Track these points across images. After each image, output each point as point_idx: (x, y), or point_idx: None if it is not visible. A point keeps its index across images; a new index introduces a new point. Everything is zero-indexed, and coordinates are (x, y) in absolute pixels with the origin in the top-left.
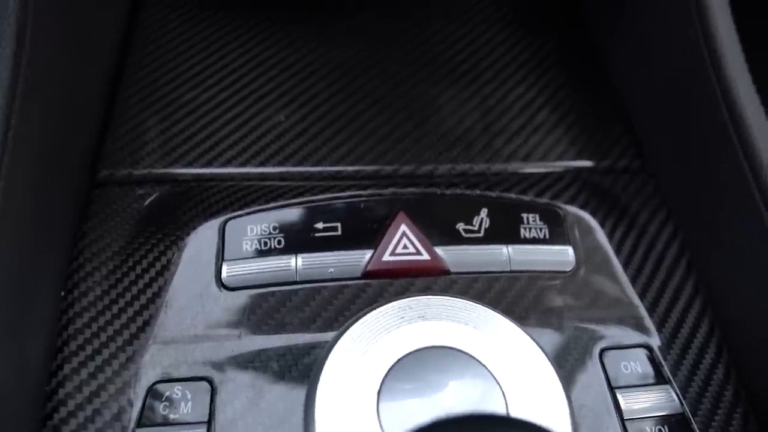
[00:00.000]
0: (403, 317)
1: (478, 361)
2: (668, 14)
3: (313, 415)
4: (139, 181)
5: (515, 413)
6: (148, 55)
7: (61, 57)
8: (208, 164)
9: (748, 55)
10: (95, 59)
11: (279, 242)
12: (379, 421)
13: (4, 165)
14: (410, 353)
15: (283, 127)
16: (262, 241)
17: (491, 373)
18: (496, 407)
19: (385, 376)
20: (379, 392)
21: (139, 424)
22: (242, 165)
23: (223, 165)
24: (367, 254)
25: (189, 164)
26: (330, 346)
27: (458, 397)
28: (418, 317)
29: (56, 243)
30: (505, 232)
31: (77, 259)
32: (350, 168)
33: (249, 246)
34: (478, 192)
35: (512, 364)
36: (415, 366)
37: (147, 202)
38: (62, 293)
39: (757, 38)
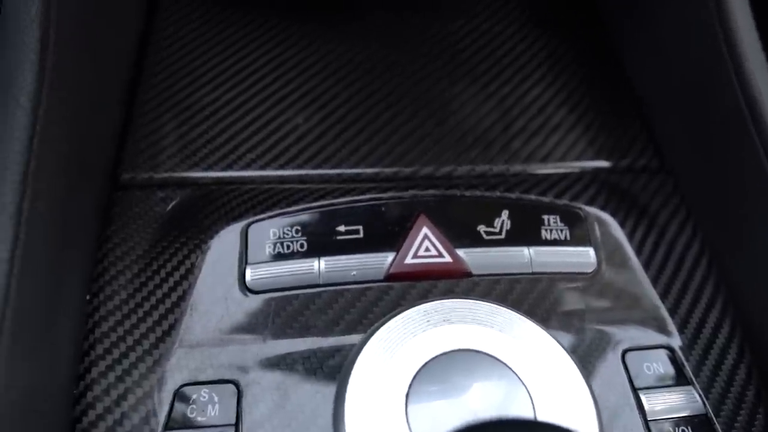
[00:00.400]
0: (429, 321)
1: (504, 363)
2: (685, 9)
3: (342, 417)
4: (160, 185)
5: (542, 415)
6: (166, 57)
7: (82, 61)
8: (228, 167)
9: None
10: (115, 62)
11: (302, 245)
12: (408, 424)
13: (31, 170)
14: (437, 356)
15: (301, 130)
16: (285, 244)
17: (517, 376)
18: (523, 410)
19: (413, 379)
20: (407, 395)
21: (167, 426)
22: (262, 168)
23: (243, 168)
24: (390, 257)
25: (209, 167)
26: (357, 349)
27: (485, 399)
28: (444, 321)
29: (81, 247)
30: (526, 233)
31: (101, 262)
32: (370, 170)
33: (272, 249)
34: (498, 193)
35: (538, 366)
36: (442, 369)
37: (169, 207)
38: (88, 297)
39: None
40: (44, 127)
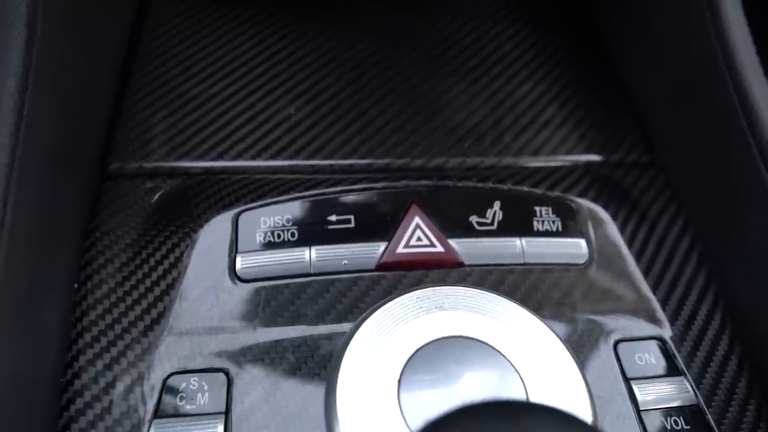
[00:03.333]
0: (420, 307)
1: (497, 350)
2: (677, 5)
3: (335, 405)
4: (149, 174)
5: (535, 400)
6: (157, 47)
7: (70, 48)
8: (219, 157)
9: (759, 48)
10: (105, 51)
11: (292, 234)
12: (401, 411)
13: (17, 156)
14: (429, 343)
15: (293, 121)
16: (276, 233)
17: (510, 362)
18: (516, 395)
19: (405, 366)
20: (399, 382)
21: (156, 415)
22: (253, 158)
23: (233, 158)
24: (381, 246)
25: (199, 157)
26: (348, 336)
27: (478, 385)
28: (436, 307)
29: (68, 235)
30: (518, 224)
31: (89, 251)
32: (361, 161)
33: (262, 238)
34: (490, 185)
35: (530, 352)
36: (434, 356)
37: (158, 195)
38: (75, 285)
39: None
40: (31, 111)
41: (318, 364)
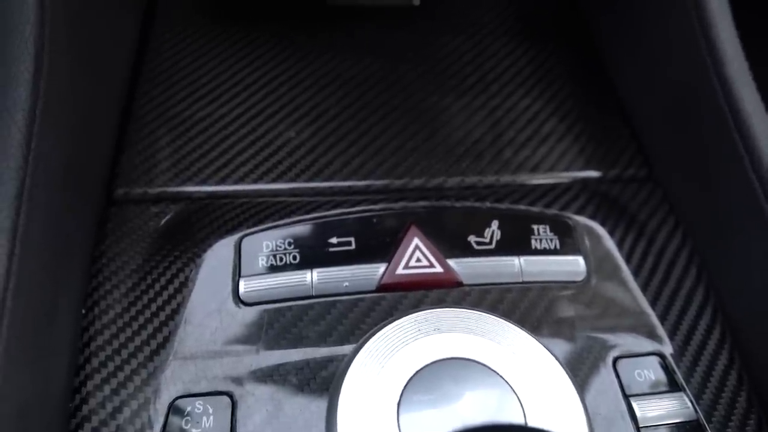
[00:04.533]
0: (419, 330)
1: (495, 371)
2: (668, 22)
3: (335, 426)
4: (154, 200)
5: (533, 423)
6: (160, 73)
7: (77, 79)
8: (222, 182)
9: (750, 57)
10: (109, 77)
11: (294, 257)
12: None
13: (26, 187)
14: (428, 365)
15: (293, 144)
16: (278, 256)
17: (508, 384)
18: (514, 417)
19: (404, 388)
20: (398, 404)
21: None
22: (255, 182)
23: (236, 182)
24: (381, 267)
25: (203, 182)
26: (349, 359)
27: (476, 407)
28: (434, 330)
29: (76, 261)
30: (516, 243)
31: (96, 277)
32: (361, 183)
33: (265, 262)
34: (488, 204)
35: (528, 374)
36: (433, 378)
37: (163, 221)
38: (83, 311)
39: (758, 37)
40: (39, 143)
41: (320, 385)
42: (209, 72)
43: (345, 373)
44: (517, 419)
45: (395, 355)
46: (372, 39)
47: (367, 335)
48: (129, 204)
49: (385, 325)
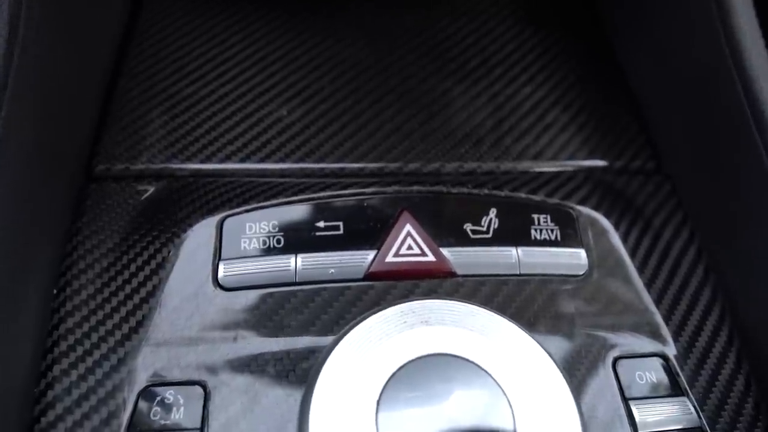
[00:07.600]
0: (405, 322)
1: (484, 370)
2: (687, 10)
3: (307, 424)
4: (136, 176)
5: (523, 426)
6: (148, 48)
7: (57, 48)
8: (208, 159)
9: None
10: (94, 52)
11: (278, 241)
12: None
13: None
14: (412, 361)
15: (284, 123)
16: (261, 239)
17: (498, 383)
18: (503, 420)
19: (385, 384)
20: (378, 401)
21: (130, 428)
22: (242, 161)
23: (222, 161)
24: (370, 255)
25: (188, 159)
26: (327, 351)
27: (462, 408)
28: (421, 322)
29: (49, 239)
30: (514, 233)
31: (70, 255)
32: (353, 165)
33: (247, 245)
34: (486, 191)
35: (520, 373)
36: (417, 374)
37: (143, 198)
38: (54, 291)
39: None
40: (10, 112)
41: (300, 378)
42: (199, 48)
43: (322, 366)
44: (506, 424)
45: (378, 348)
46: (370, 18)
47: (349, 326)
48: (109, 180)
49: (368, 316)
